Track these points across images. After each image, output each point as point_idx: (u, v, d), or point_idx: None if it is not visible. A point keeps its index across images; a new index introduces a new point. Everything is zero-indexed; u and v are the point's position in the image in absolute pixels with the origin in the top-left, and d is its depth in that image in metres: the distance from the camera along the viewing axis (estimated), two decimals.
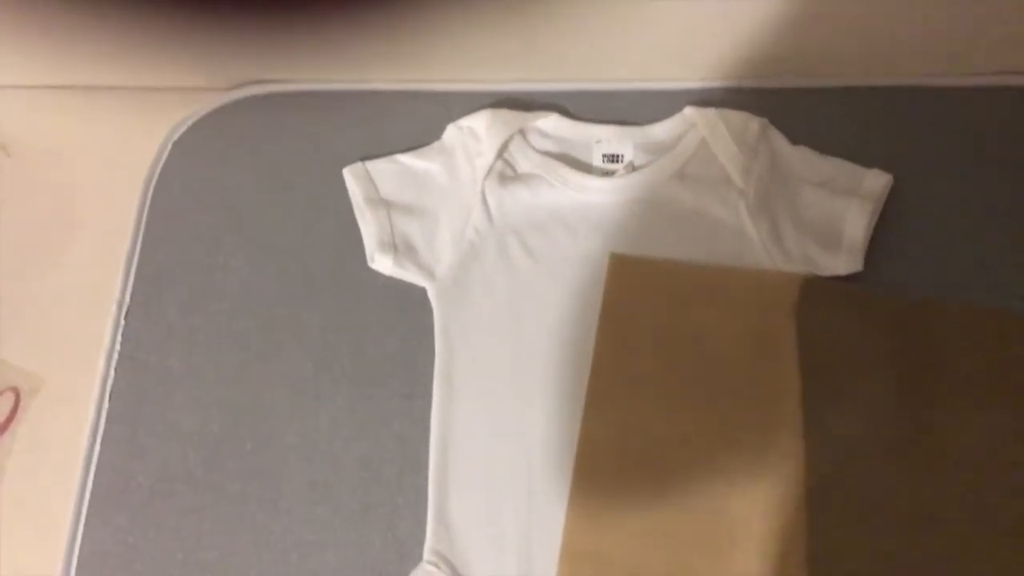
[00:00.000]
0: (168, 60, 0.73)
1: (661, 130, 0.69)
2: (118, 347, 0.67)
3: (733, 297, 0.63)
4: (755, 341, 0.62)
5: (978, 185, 0.67)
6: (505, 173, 0.68)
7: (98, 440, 0.65)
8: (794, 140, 0.68)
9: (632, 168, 0.68)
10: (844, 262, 0.64)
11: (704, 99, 0.70)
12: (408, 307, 0.66)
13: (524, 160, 0.69)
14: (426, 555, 0.59)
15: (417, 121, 0.72)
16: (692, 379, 0.62)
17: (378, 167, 0.70)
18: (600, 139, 0.70)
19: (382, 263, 0.66)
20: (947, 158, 0.68)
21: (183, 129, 0.74)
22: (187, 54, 0.71)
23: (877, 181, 0.66)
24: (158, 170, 0.72)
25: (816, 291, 0.63)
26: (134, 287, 0.69)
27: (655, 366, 0.62)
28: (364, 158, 0.70)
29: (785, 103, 0.70)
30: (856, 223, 0.64)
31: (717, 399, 0.61)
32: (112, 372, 0.66)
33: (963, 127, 0.69)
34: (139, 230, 0.71)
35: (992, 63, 0.70)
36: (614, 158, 0.69)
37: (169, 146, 0.73)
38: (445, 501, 0.60)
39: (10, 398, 0.66)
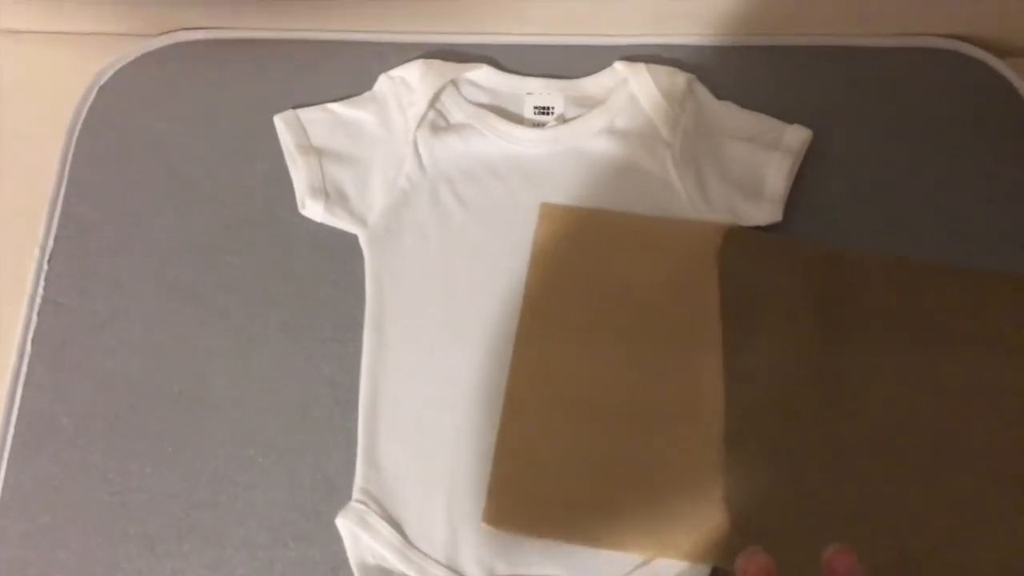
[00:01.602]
0: (93, 5, 0.72)
1: (591, 84, 0.71)
2: (41, 291, 0.66)
3: (658, 245, 0.65)
4: (678, 287, 0.64)
5: (890, 141, 0.70)
6: (437, 123, 0.69)
7: (20, 383, 0.63)
8: (719, 96, 0.70)
9: (563, 120, 0.69)
10: (765, 212, 0.66)
11: (633, 55, 0.71)
12: (338, 254, 0.66)
13: (456, 110, 0.69)
14: (355, 494, 0.60)
15: (349, 72, 0.72)
16: (617, 324, 0.63)
17: (310, 115, 0.69)
18: (531, 91, 0.71)
19: (313, 209, 0.66)
20: (863, 115, 0.71)
21: (109, 74, 0.72)
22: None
23: (797, 136, 0.68)
24: (83, 115, 0.71)
25: (737, 240, 0.65)
26: (58, 232, 0.67)
27: (582, 311, 0.64)
28: (296, 107, 0.70)
29: (711, 60, 0.72)
30: (777, 175, 0.66)
31: (641, 343, 0.63)
32: (35, 316, 0.65)
33: (877, 86, 0.72)
34: (63, 175, 0.69)
35: (902, 25, 0.73)
36: (545, 110, 0.70)
37: (95, 91, 0.72)
38: (374, 442, 0.61)
39: None
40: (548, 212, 0.66)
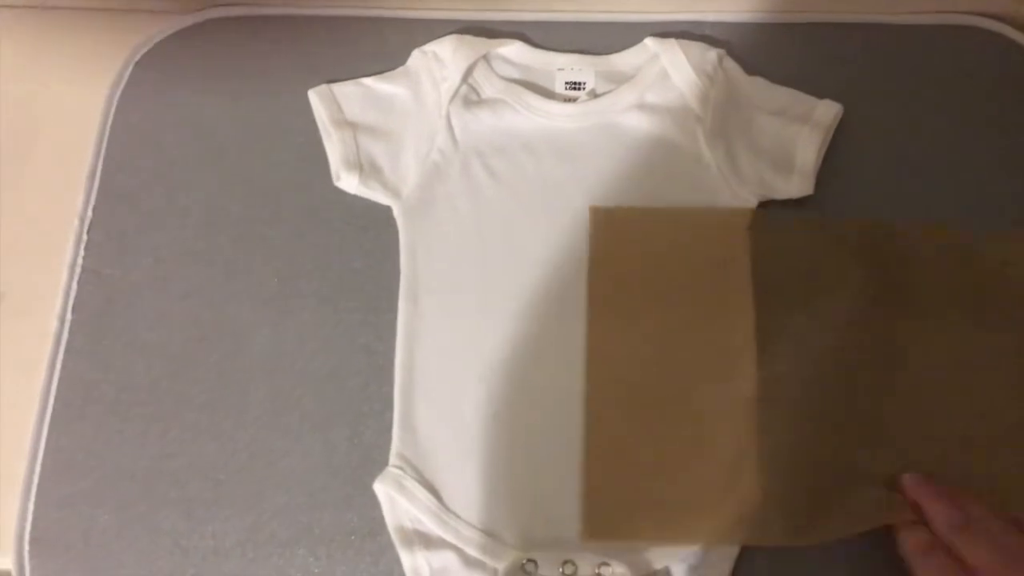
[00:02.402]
0: None
1: (622, 59, 0.71)
2: (80, 261, 0.66)
3: (700, 233, 0.66)
4: (718, 266, 0.65)
5: (921, 116, 0.70)
6: (469, 97, 0.69)
7: (61, 351, 0.64)
8: (749, 72, 0.70)
9: (594, 95, 0.70)
10: (796, 185, 0.66)
11: (664, 31, 0.71)
12: (373, 225, 0.67)
13: (488, 85, 0.70)
14: (392, 459, 0.60)
15: (382, 48, 0.72)
16: (679, 317, 0.63)
17: (344, 89, 0.70)
18: (562, 67, 0.71)
19: (348, 182, 0.67)
20: (891, 91, 0.71)
21: (146, 49, 0.73)
22: None
23: (828, 110, 0.68)
24: (120, 88, 0.72)
25: (775, 223, 0.65)
26: (96, 202, 0.68)
27: (646, 310, 0.64)
28: (329, 82, 0.70)
29: (741, 37, 0.72)
30: (807, 148, 0.67)
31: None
32: (75, 285, 0.66)
33: (905, 61, 0.72)
34: (101, 147, 0.70)
35: (929, 3, 0.73)
36: (576, 85, 0.71)
37: (131, 65, 0.73)
38: (411, 409, 0.62)
39: None
40: (597, 214, 0.66)
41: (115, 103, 0.72)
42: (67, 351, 0.64)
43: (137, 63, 0.73)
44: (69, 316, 0.65)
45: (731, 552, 0.58)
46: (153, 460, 0.61)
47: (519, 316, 0.63)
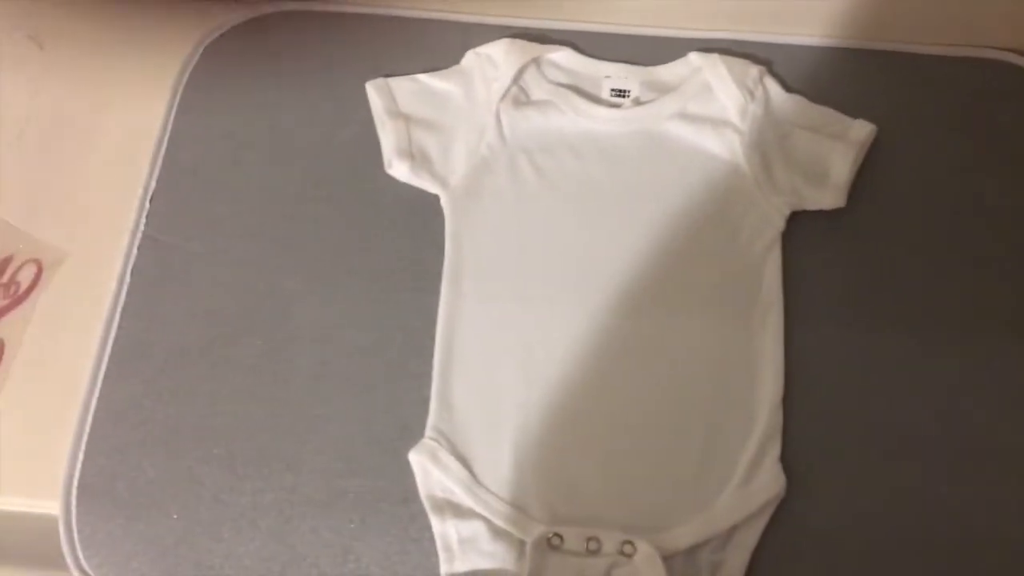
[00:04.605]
0: None
1: (666, 71, 0.75)
2: (142, 228, 0.70)
3: None
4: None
5: (952, 142, 0.73)
6: (519, 98, 0.73)
7: (118, 310, 0.67)
8: (788, 91, 0.73)
9: (638, 102, 0.73)
10: (829, 197, 0.69)
11: (707, 47, 0.75)
12: (420, 211, 0.70)
13: (537, 88, 0.73)
14: (428, 431, 0.63)
15: (437, 48, 0.76)
16: None
17: (399, 84, 0.74)
18: (609, 75, 0.74)
19: (399, 169, 0.70)
20: (926, 118, 0.74)
21: (215, 35, 0.77)
22: None
23: (863, 129, 0.71)
24: (189, 70, 0.76)
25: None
26: (160, 175, 0.72)
27: None
28: (386, 76, 0.74)
29: (783, 56, 0.76)
30: (841, 163, 0.69)
31: None
32: (135, 251, 0.69)
33: (938, 90, 0.75)
34: (167, 124, 0.74)
35: (963, 37, 0.77)
36: (621, 93, 0.74)
37: (201, 49, 0.77)
38: (448, 385, 0.64)
39: (31, 269, 0.69)
40: None
41: (184, 81, 0.76)
42: (124, 311, 0.67)
43: (207, 47, 0.77)
44: (128, 279, 0.68)
45: (753, 536, 0.60)
46: (200, 418, 0.64)
47: (554, 305, 0.66)
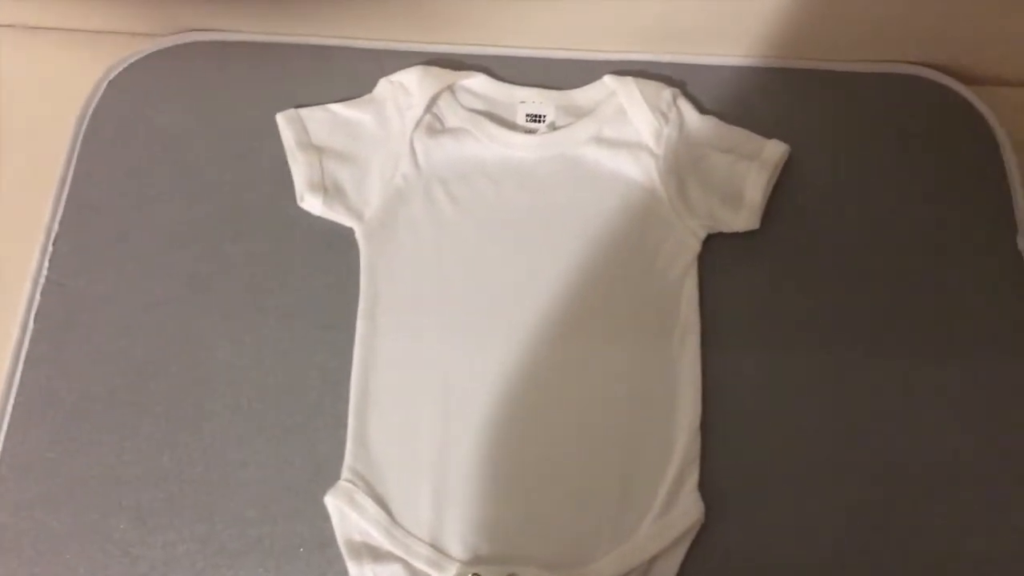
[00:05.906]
0: (106, 4, 0.75)
1: (581, 95, 0.74)
2: (45, 272, 0.68)
3: None
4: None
5: (865, 159, 0.73)
6: (433, 126, 0.72)
7: (21, 359, 0.65)
8: (702, 111, 0.73)
9: (554, 127, 0.73)
10: (743, 219, 0.69)
11: (622, 70, 0.75)
12: (335, 245, 0.69)
13: (452, 115, 0.73)
14: (344, 473, 0.62)
15: (349, 76, 0.75)
16: None
17: (311, 114, 0.72)
18: (524, 100, 0.74)
19: (311, 203, 0.69)
20: (836, 134, 0.75)
21: (119, 69, 0.75)
22: None
23: (776, 150, 0.72)
24: (92, 106, 0.73)
25: None
26: (64, 215, 0.70)
27: None
28: (298, 106, 0.73)
29: (698, 77, 0.76)
30: (755, 185, 0.70)
31: None
32: (38, 296, 0.67)
33: (855, 107, 0.76)
34: (71, 161, 0.71)
35: (875, 52, 0.77)
36: (536, 118, 0.74)
37: (104, 84, 0.74)
38: (364, 424, 0.63)
39: None
40: None
41: (87, 119, 0.73)
42: (27, 359, 0.65)
43: (111, 81, 0.75)
44: (31, 325, 0.66)
45: (673, 564, 0.60)
46: (108, 468, 0.62)
47: (471, 336, 0.66)
